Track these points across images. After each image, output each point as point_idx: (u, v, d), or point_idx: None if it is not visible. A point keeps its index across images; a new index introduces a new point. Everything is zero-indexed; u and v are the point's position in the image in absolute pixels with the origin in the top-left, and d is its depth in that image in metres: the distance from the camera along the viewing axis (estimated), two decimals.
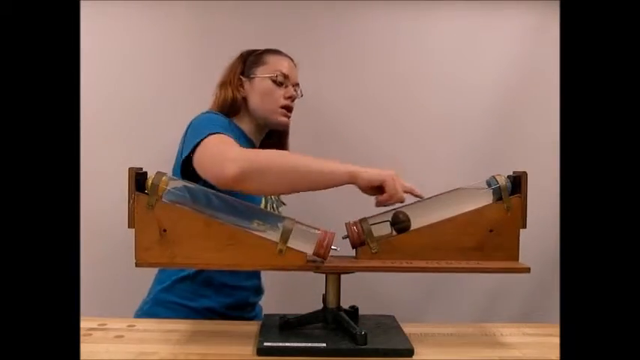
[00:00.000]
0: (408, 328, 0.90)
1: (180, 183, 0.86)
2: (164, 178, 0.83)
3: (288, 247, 0.82)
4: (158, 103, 1.49)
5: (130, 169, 0.82)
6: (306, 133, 1.51)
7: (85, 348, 0.81)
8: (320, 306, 0.90)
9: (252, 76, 1.21)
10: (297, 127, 1.51)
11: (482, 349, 0.86)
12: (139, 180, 0.82)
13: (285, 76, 1.21)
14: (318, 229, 0.85)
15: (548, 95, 1.49)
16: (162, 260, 0.82)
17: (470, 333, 0.94)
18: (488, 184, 0.90)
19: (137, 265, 0.83)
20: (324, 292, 0.89)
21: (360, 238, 0.88)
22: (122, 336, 0.88)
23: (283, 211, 1.26)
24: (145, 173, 0.84)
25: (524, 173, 0.88)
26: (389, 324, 0.93)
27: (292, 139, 1.51)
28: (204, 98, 1.39)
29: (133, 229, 0.82)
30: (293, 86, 1.23)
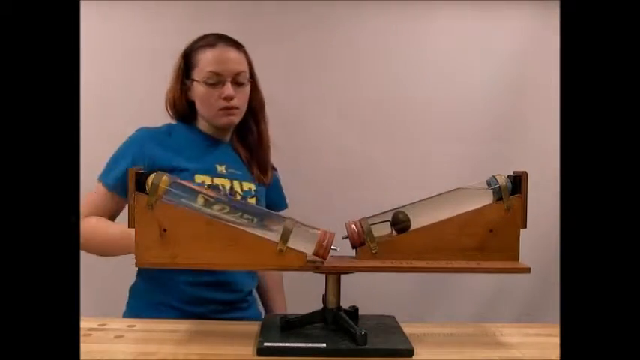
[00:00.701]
0: (408, 328, 0.90)
1: (179, 183, 0.86)
2: (164, 178, 0.83)
3: (288, 247, 0.82)
4: (157, 102, 1.49)
5: (129, 169, 0.82)
6: (306, 133, 1.52)
7: (85, 348, 0.81)
8: (320, 306, 0.90)
9: (191, 78, 1.18)
10: (296, 127, 1.51)
11: (482, 349, 0.86)
12: (139, 180, 0.82)
13: (218, 75, 1.14)
14: (318, 229, 0.85)
15: (548, 95, 1.48)
16: (162, 260, 0.82)
17: (470, 333, 0.94)
18: (489, 184, 0.90)
19: (137, 264, 0.83)
20: (324, 292, 0.89)
21: (360, 238, 0.88)
22: (122, 336, 0.88)
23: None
24: (145, 173, 0.84)
25: (525, 173, 0.88)
26: (389, 324, 0.93)
27: (292, 142, 1.51)
28: None
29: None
30: (234, 77, 1.16)
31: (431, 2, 1.52)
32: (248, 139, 1.24)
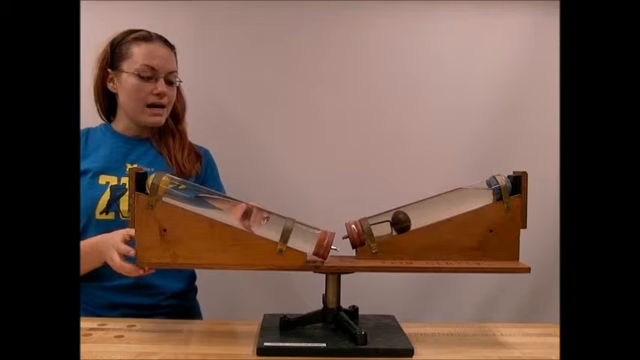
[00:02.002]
0: (408, 328, 0.90)
1: (180, 183, 0.86)
2: (164, 178, 0.83)
3: (288, 247, 0.82)
4: None
5: (130, 169, 0.83)
6: (306, 132, 1.52)
7: (85, 348, 0.81)
8: (320, 306, 0.90)
9: (119, 69, 1.13)
10: (297, 126, 1.51)
11: (482, 349, 0.86)
12: (139, 180, 0.82)
13: (153, 70, 1.12)
14: (318, 229, 0.85)
15: (548, 95, 1.48)
16: (163, 260, 0.83)
17: (470, 333, 0.94)
18: (489, 184, 0.90)
19: (137, 264, 0.83)
20: (324, 292, 0.89)
21: (360, 238, 0.88)
22: (122, 336, 0.88)
23: (281, 210, 1.25)
24: (146, 173, 0.84)
25: (525, 173, 0.88)
26: (389, 324, 0.93)
27: (292, 140, 1.51)
28: (202, 98, 1.39)
29: None
30: (167, 76, 1.14)
31: (431, 2, 1.52)
32: (168, 139, 1.20)
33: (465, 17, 1.52)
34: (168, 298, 1.15)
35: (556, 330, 0.91)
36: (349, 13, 1.51)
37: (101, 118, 1.22)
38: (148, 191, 0.82)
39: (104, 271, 1.01)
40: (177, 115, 1.23)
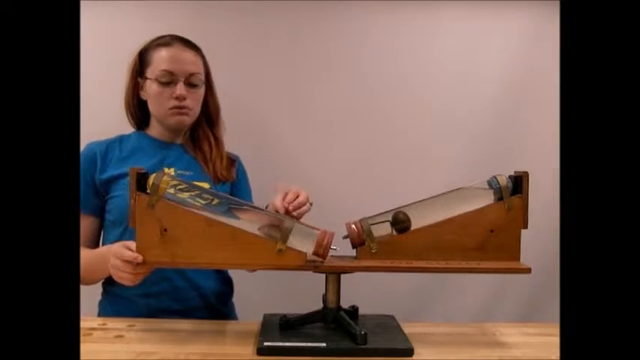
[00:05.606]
0: (408, 328, 0.90)
1: (180, 183, 0.86)
2: (165, 177, 0.83)
3: (287, 247, 0.82)
4: None
5: (131, 169, 0.83)
6: (311, 130, 1.52)
7: (85, 348, 0.81)
8: (320, 306, 0.90)
9: (145, 77, 1.15)
10: (299, 125, 1.51)
11: (482, 349, 0.86)
12: (140, 180, 0.82)
13: (172, 74, 1.11)
14: (318, 229, 0.85)
15: (549, 95, 1.48)
16: (163, 259, 0.83)
17: (470, 333, 0.94)
18: (490, 184, 0.90)
19: (138, 264, 0.83)
20: (324, 292, 0.89)
21: (360, 238, 0.88)
22: (122, 336, 0.88)
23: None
24: (147, 173, 0.84)
25: (526, 173, 0.88)
26: (389, 324, 0.93)
27: (293, 140, 1.51)
28: None
29: None
30: (187, 78, 1.13)
31: (432, 2, 1.52)
32: (203, 145, 1.20)
33: (465, 18, 1.52)
34: (206, 299, 1.14)
35: (556, 330, 0.91)
36: (350, 15, 1.51)
37: (132, 126, 1.22)
38: (149, 191, 0.82)
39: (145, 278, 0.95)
40: (210, 119, 1.22)
